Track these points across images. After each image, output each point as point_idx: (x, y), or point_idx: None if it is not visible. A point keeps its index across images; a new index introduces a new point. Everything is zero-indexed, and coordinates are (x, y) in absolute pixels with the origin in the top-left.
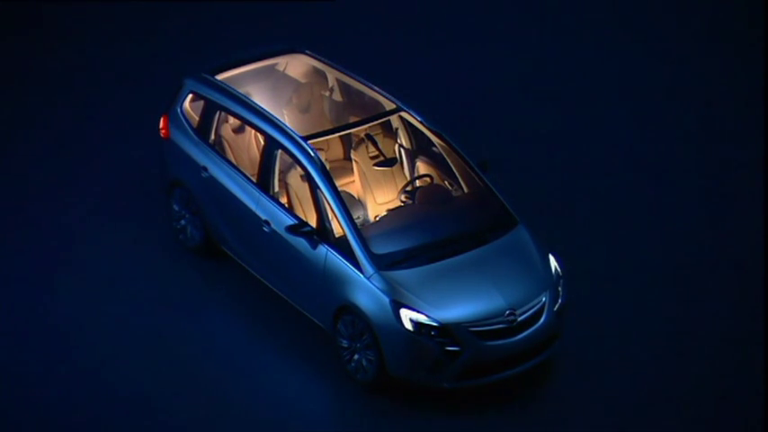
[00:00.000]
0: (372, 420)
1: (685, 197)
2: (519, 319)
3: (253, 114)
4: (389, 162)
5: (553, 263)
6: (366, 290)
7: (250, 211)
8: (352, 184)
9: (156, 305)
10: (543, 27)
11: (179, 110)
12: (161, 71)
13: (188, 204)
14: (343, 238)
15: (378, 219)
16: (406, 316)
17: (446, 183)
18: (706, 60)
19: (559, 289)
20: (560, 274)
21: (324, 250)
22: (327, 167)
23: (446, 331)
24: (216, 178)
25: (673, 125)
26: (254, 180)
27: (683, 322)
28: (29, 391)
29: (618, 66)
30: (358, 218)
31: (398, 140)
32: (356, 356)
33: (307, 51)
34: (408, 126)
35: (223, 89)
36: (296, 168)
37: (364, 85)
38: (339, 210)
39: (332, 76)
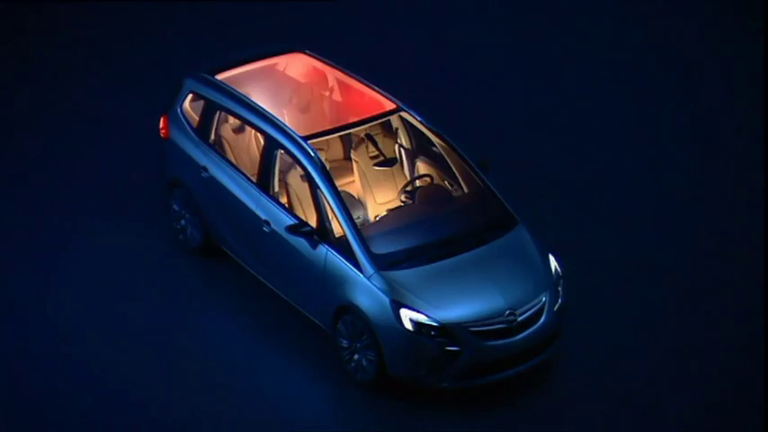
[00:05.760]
0: (372, 420)
1: (686, 197)
2: (519, 319)
3: (253, 114)
4: (389, 162)
5: (553, 263)
6: (366, 290)
7: (250, 211)
8: (352, 184)
9: (156, 305)
10: (543, 27)
11: (179, 110)
12: (161, 71)
13: (188, 204)
14: (344, 238)
15: (378, 219)
16: (406, 316)
17: (446, 183)
18: (707, 59)
19: (559, 289)
20: (560, 274)
21: (324, 250)
22: (327, 167)
23: (446, 331)
24: (216, 178)
25: (674, 125)
26: (254, 180)
27: (683, 322)
28: (28, 391)
29: (619, 65)
30: (358, 218)
31: (398, 140)
32: (356, 356)
33: (307, 51)
34: (408, 126)
35: (223, 89)
36: (296, 168)
37: (364, 84)
38: (339, 210)
39: (332, 76)
